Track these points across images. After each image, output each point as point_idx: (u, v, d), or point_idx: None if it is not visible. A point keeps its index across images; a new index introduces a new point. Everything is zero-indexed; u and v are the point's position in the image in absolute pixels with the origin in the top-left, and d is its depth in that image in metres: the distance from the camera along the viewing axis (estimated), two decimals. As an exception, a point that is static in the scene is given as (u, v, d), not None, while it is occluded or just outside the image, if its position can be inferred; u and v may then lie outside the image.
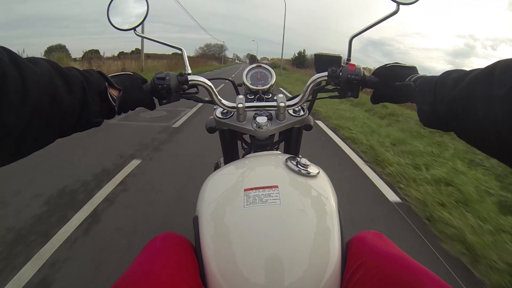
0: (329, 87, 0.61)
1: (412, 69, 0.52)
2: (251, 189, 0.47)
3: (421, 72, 0.50)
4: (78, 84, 0.38)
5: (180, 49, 0.67)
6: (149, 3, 0.65)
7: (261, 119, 0.61)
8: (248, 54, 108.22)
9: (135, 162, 2.54)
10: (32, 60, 0.34)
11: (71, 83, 0.37)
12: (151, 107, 0.57)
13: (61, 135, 0.38)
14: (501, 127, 0.28)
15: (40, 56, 0.36)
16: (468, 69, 0.37)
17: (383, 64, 0.55)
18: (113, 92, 0.47)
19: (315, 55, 0.66)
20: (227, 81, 0.77)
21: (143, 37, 0.69)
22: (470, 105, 0.33)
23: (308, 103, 0.69)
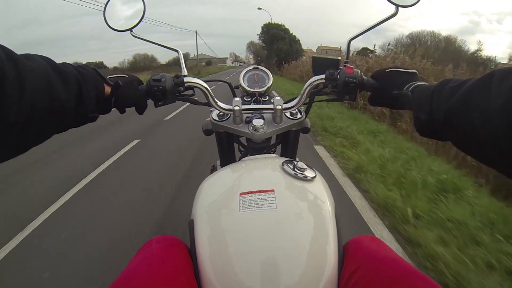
0: (327, 90, 0.61)
1: (412, 75, 0.51)
2: (247, 193, 0.47)
3: None
4: (73, 80, 0.39)
5: (176, 51, 0.67)
6: (145, 4, 0.65)
7: (258, 122, 0.60)
8: (252, 45, 42.19)
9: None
10: (28, 56, 0.34)
11: (67, 78, 0.37)
12: (142, 109, 0.55)
13: (59, 130, 0.39)
14: (498, 137, 0.28)
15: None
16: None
17: (383, 68, 0.55)
18: (107, 89, 0.47)
19: (312, 57, 0.65)
20: (220, 82, 0.77)
21: (139, 38, 0.69)
22: (466, 115, 0.32)
23: (306, 106, 0.69)
